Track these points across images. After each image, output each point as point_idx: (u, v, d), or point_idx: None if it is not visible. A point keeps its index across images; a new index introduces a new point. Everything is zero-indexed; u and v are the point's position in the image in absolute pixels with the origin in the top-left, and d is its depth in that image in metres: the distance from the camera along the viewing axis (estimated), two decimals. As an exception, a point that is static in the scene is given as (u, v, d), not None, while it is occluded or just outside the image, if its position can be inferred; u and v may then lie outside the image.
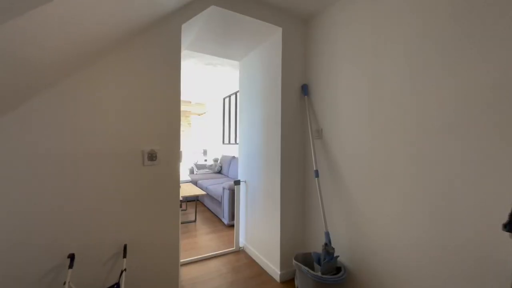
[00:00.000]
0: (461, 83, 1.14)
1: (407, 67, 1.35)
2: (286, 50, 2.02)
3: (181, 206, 1.67)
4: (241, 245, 2.66)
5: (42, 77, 1.15)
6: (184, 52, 3.23)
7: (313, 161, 1.91)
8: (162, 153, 1.52)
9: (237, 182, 2.62)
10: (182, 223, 3.49)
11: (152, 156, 1.48)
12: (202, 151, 8.51)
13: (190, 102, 7.80)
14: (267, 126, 2.19)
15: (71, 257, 1.24)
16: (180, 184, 4.25)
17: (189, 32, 2.04)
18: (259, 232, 2.34)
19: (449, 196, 1.18)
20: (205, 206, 4.45)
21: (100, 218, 1.36)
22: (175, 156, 1.57)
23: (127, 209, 1.43)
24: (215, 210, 3.85)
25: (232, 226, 3.26)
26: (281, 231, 2.00)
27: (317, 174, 1.83)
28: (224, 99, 5.81)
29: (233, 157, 4.94)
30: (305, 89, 2.06)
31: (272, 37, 2.12)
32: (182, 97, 5.90)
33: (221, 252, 2.52)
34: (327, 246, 1.64)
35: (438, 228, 1.22)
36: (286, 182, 2.02)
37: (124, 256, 1.35)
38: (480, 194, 1.08)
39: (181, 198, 1.71)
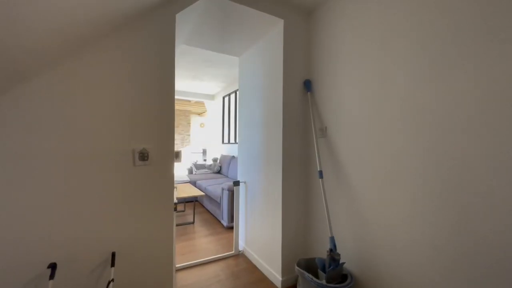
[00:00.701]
0: (475, 78, 1.04)
1: (417, 61, 1.25)
2: (288, 44, 1.91)
3: (175, 209, 1.56)
4: (240, 248, 2.55)
5: (18, 69, 1.04)
6: (182, 48, 3.12)
7: (316, 161, 1.80)
8: (155, 152, 1.41)
9: (237, 183, 2.51)
10: (180, 225, 3.39)
11: (143, 156, 1.36)
12: (202, 151, 8.42)
13: (190, 101, 7.70)
14: (268, 125, 2.08)
15: (52, 266, 1.13)
16: (178, 185, 4.15)
17: (185, 25, 1.93)
18: (259, 236, 2.23)
19: (463, 198, 1.07)
20: (204, 207, 4.34)
21: (85, 223, 1.24)
22: (169, 155, 1.46)
23: (116, 213, 1.31)
24: (214, 211, 3.74)
25: (231, 228, 3.15)
26: (282, 234, 1.89)
27: (321, 174, 1.71)
28: (223, 98, 5.70)
29: (233, 157, 4.84)
30: (308, 85, 1.95)
31: (273, 30, 2.01)
32: (181, 96, 5.80)
33: (219, 256, 2.41)
34: (332, 252, 1.53)
35: (453, 232, 1.11)
36: (288, 183, 1.91)
37: (112, 265, 1.24)
38: (498, 195, 0.97)
39: (175, 201, 1.60)
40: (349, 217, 1.63)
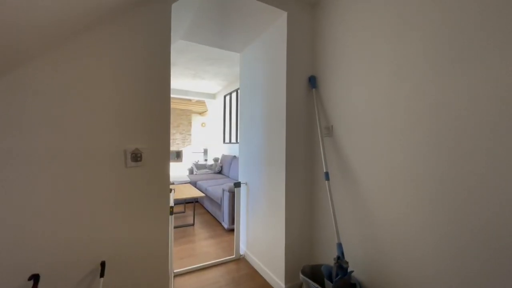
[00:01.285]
0: (498, 74, 0.93)
1: (431, 56, 1.14)
2: (291, 38, 1.80)
3: (172, 213, 1.47)
4: (241, 252, 2.45)
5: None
6: (181, 45, 3.02)
7: (322, 161, 1.69)
8: (149, 152, 1.31)
9: (237, 184, 2.40)
10: (179, 226, 3.30)
11: (136, 156, 1.26)
12: (203, 151, 8.33)
13: (191, 101, 7.61)
14: (270, 123, 1.98)
15: (35, 278, 1.03)
16: (178, 185, 4.05)
17: (183, 18, 1.83)
18: (261, 240, 2.12)
19: (483, 202, 0.97)
20: (204, 208, 4.25)
21: (72, 230, 1.14)
22: (164, 156, 1.36)
23: (105, 219, 1.21)
24: (214, 213, 3.65)
25: (232, 230, 3.05)
26: (285, 239, 1.79)
27: (327, 176, 1.61)
28: (224, 97, 5.61)
29: (234, 156, 4.74)
30: (312, 82, 1.84)
31: (276, 24, 1.90)
32: (181, 95, 5.70)
33: (220, 261, 2.31)
34: (340, 259, 1.42)
35: (473, 240, 1.00)
36: (291, 184, 1.80)
37: (102, 275, 1.14)
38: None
39: (172, 204, 1.50)
40: (357, 221, 1.52)
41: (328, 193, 1.58)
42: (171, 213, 1.49)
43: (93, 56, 1.18)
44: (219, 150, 6.12)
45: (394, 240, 1.31)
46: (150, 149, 1.31)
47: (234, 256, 2.39)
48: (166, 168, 1.36)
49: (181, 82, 5.05)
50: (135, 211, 1.28)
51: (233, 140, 5.16)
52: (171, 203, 1.55)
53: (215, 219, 3.66)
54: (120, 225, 1.25)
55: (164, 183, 1.36)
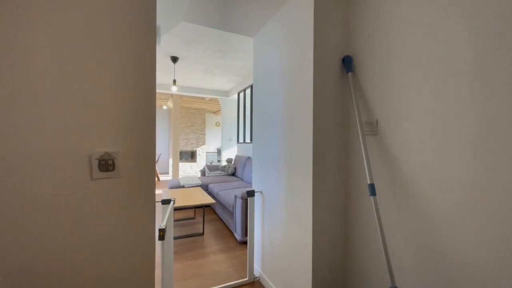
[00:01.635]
0: None
1: None
2: (319, 9, 1.38)
3: (162, 238, 1.10)
4: (256, 273, 2.05)
5: None
6: (189, 36, 2.68)
7: (365, 170, 1.26)
8: (125, 158, 0.94)
9: (251, 193, 2.01)
10: (188, 236, 2.97)
11: (107, 164, 0.90)
12: (216, 151, 8.04)
13: (204, 99, 7.34)
14: (292, 119, 1.56)
15: None
16: (188, 189, 3.72)
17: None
18: (280, 262, 1.72)
19: None
20: (216, 214, 3.91)
21: (7, 272, 0.80)
22: (148, 162, 0.99)
23: (61, 254, 0.86)
24: (226, 220, 3.28)
25: (245, 243, 2.68)
26: (313, 266, 1.37)
27: (372, 190, 1.17)
28: (238, 94, 5.24)
29: (248, 157, 4.37)
30: (348, 63, 1.41)
31: (298, -9, 1.49)
32: (192, 93, 5.40)
33: (230, 285, 1.93)
34: (395, 311, 0.99)
35: None
36: (320, 199, 1.38)
37: None
38: None
39: (163, 226, 1.13)
40: (419, 257, 1.07)
41: (375, 212, 1.14)
42: (162, 237, 1.13)
43: (51, 28, 0.83)
44: (233, 150, 5.79)
45: (470, 279, 0.86)
46: (127, 153, 0.94)
47: (247, 278, 2.00)
48: (151, 179, 0.99)
49: (192, 79, 4.75)
50: (106, 240, 0.92)
51: (247, 140, 4.79)
52: (163, 225, 1.19)
53: (227, 227, 3.30)
54: (82, 261, 0.89)
55: (148, 199, 0.99)
